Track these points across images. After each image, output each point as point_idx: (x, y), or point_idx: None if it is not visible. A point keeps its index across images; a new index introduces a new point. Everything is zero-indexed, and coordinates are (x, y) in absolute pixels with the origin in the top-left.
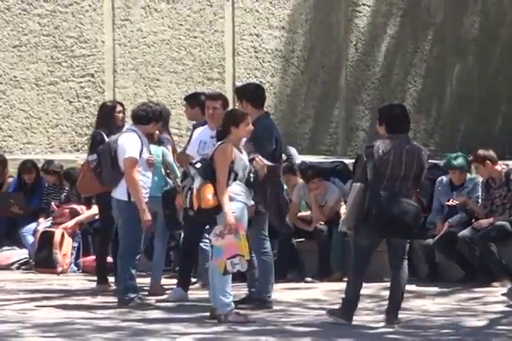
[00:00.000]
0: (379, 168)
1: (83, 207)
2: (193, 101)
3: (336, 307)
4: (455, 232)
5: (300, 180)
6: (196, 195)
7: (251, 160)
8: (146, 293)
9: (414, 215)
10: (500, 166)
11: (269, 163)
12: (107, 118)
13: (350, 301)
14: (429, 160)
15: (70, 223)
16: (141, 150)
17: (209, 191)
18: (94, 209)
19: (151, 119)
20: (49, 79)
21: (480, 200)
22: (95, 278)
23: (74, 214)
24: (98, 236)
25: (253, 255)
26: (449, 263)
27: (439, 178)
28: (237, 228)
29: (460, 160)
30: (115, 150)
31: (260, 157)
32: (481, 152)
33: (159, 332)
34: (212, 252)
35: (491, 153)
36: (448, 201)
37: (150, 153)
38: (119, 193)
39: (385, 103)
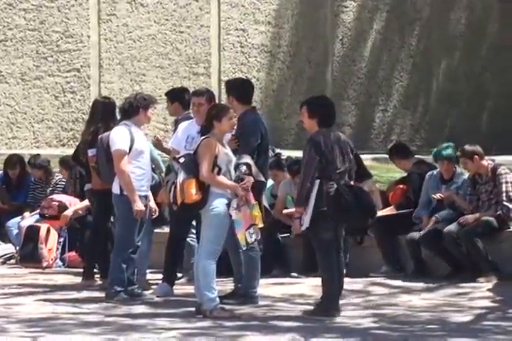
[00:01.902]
0: (332, 162)
1: (72, 201)
2: (172, 96)
3: (299, 307)
4: (441, 228)
5: (288, 176)
6: (180, 190)
7: (241, 180)
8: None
9: (371, 200)
10: (487, 161)
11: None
12: (110, 115)
13: (335, 296)
14: (416, 156)
15: (68, 211)
16: (132, 142)
17: (192, 186)
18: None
19: (138, 107)
20: (35, 74)
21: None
22: (80, 273)
23: (62, 208)
24: (88, 232)
25: (240, 251)
26: (435, 258)
27: (430, 172)
28: (249, 198)
29: (449, 151)
30: (107, 145)
31: (248, 177)
32: (468, 147)
33: (145, 327)
34: (233, 226)
35: (478, 148)
36: (435, 195)
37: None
38: (114, 187)
39: (372, 98)
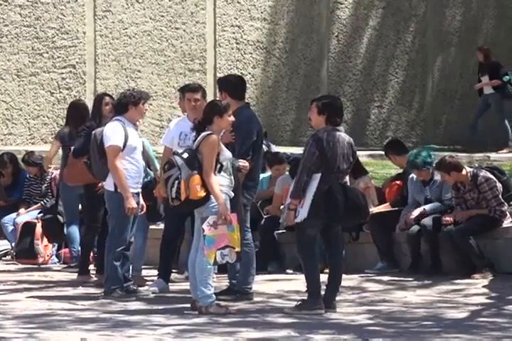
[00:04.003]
0: (331, 160)
1: None
2: None
3: (294, 303)
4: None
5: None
6: (184, 186)
7: (237, 170)
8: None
9: (364, 199)
10: (466, 170)
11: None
12: (97, 110)
13: (318, 292)
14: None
15: None
16: (126, 139)
17: (197, 182)
18: None
19: (127, 104)
20: (30, 70)
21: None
22: (76, 269)
23: None
24: (84, 228)
25: None
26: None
27: (410, 176)
28: (231, 219)
29: (415, 160)
30: (101, 141)
31: (242, 164)
32: (445, 161)
33: (140, 324)
34: (203, 242)
35: (455, 160)
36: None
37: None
38: (107, 183)
39: (360, 95)
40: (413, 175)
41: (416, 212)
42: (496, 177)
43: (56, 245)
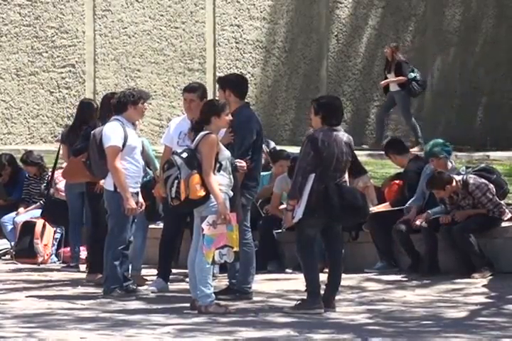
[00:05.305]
0: (326, 160)
1: None
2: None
3: (294, 302)
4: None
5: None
6: (184, 185)
7: (235, 169)
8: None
9: (363, 199)
10: (455, 180)
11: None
12: (103, 110)
13: (318, 291)
14: (412, 151)
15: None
16: (125, 139)
17: (197, 181)
18: None
19: (126, 103)
20: (29, 70)
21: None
22: (75, 268)
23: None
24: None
25: None
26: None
27: (425, 167)
28: (231, 219)
29: (435, 149)
30: (100, 141)
31: (239, 164)
32: (437, 178)
33: (139, 323)
34: (202, 241)
35: (445, 174)
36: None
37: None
38: (107, 183)
39: (355, 94)
40: (427, 166)
41: (421, 219)
42: (485, 178)
43: (55, 244)
